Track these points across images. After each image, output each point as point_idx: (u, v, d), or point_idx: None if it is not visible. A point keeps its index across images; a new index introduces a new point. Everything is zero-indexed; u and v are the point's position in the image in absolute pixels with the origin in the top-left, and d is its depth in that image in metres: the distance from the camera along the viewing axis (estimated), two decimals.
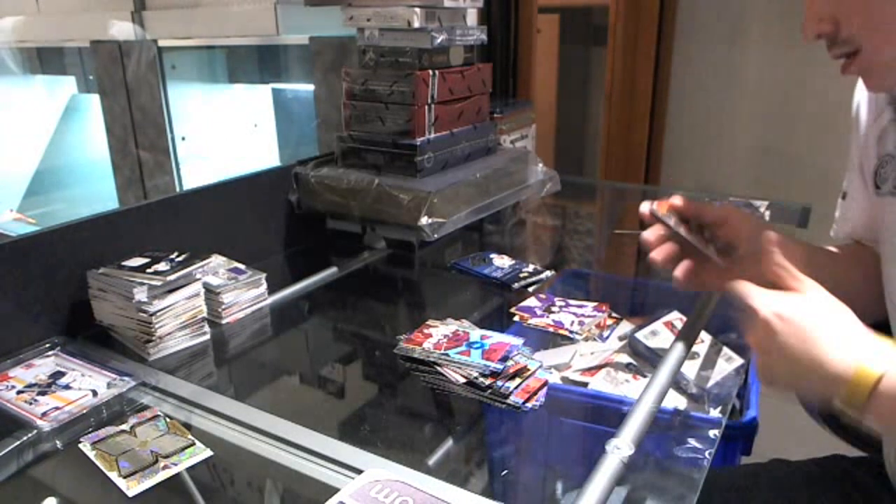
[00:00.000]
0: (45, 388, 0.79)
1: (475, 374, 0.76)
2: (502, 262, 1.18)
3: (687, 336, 0.81)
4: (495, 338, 0.84)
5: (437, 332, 0.87)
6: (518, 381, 0.77)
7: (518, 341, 0.83)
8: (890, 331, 0.73)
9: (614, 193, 1.91)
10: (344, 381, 0.92)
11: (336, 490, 0.60)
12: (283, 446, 0.70)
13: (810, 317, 0.63)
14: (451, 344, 0.83)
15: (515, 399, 0.74)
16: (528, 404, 0.74)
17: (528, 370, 0.79)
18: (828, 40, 0.68)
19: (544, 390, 0.77)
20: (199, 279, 0.91)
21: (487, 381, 0.75)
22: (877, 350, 0.59)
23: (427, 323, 0.91)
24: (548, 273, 1.14)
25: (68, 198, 2.42)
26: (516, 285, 1.09)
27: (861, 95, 0.82)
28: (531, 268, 1.15)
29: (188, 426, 0.73)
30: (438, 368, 0.79)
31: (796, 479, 0.90)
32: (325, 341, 1.05)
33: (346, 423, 0.81)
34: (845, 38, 0.66)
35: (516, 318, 0.98)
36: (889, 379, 0.57)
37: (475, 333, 0.86)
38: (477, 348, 0.81)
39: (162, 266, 0.90)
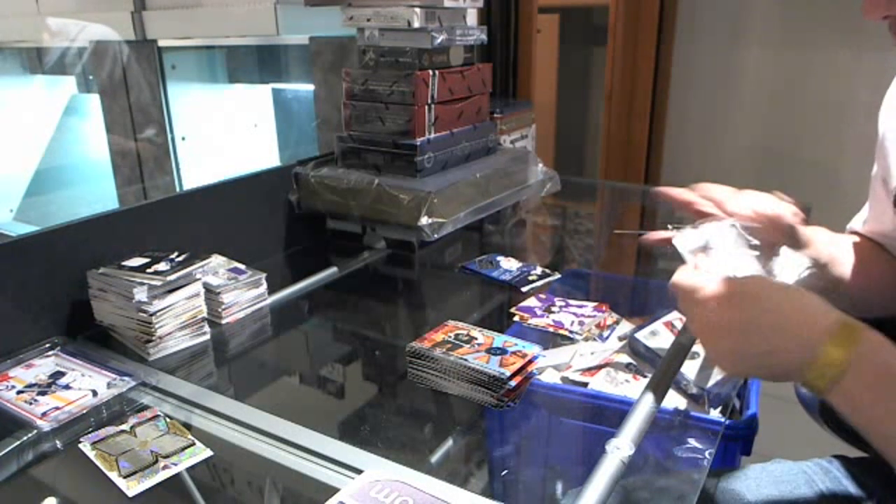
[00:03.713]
0: (45, 388, 0.79)
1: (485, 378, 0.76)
2: (510, 264, 1.18)
3: (687, 336, 0.81)
4: (518, 345, 0.83)
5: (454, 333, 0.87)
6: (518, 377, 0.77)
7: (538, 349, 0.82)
8: None
9: (614, 193, 1.91)
10: (344, 381, 0.92)
11: (336, 490, 0.60)
12: (283, 446, 0.70)
13: (755, 289, 0.60)
14: (468, 350, 0.82)
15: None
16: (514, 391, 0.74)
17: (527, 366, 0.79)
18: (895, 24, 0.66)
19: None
20: (199, 279, 0.91)
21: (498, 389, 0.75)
22: (839, 321, 0.55)
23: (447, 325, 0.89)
24: (557, 275, 1.14)
25: (68, 198, 2.41)
26: (525, 288, 1.09)
27: (889, 125, 0.80)
28: (539, 270, 1.15)
29: (188, 426, 0.73)
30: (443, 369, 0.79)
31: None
32: (324, 341, 1.05)
33: (346, 423, 0.81)
34: None
35: (516, 319, 0.98)
36: (865, 355, 0.53)
37: (498, 339, 0.85)
38: (497, 354, 0.80)
39: (162, 266, 0.90)
